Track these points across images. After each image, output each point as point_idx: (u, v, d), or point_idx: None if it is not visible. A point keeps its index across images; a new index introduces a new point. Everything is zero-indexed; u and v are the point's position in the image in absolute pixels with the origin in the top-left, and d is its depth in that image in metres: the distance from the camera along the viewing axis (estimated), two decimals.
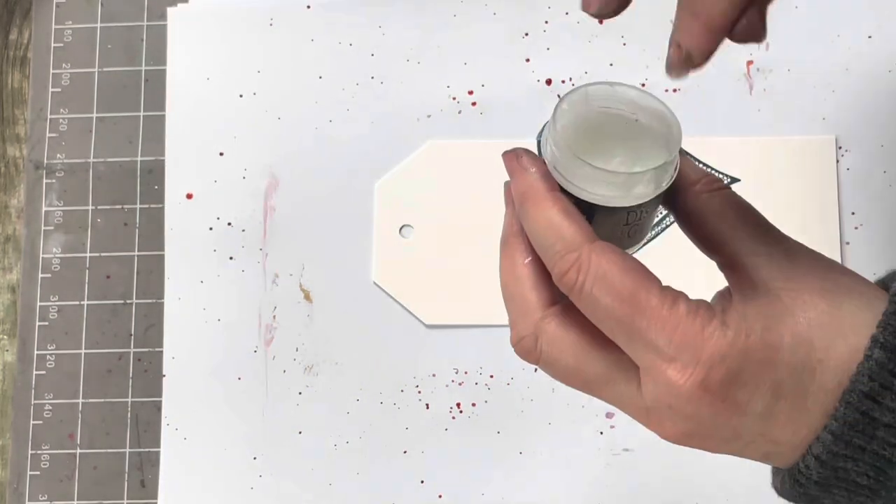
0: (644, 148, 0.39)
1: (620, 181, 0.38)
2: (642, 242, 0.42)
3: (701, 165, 0.42)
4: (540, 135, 0.41)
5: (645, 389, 0.37)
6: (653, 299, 0.36)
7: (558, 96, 0.60)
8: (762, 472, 0.59)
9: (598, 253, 0.37)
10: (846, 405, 0.35)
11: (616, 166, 0.38)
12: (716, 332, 0.36)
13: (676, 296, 0.37)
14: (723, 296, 0.38)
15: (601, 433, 0.58)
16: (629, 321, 0.36)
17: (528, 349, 0.39)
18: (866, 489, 0.36)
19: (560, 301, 0.39)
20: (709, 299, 0.38)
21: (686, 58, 0.39)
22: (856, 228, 0.58)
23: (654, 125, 0.39)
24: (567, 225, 0.37)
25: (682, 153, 0.40)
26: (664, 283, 0.37)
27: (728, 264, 0.39)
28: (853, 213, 0.58)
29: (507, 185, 0.40)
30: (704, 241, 0.40)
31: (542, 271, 0.39)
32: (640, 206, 0.38)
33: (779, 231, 0.39)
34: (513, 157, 0.40)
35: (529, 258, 0.39)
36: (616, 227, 0.39)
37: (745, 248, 0.38)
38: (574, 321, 0.38)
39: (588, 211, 0.38)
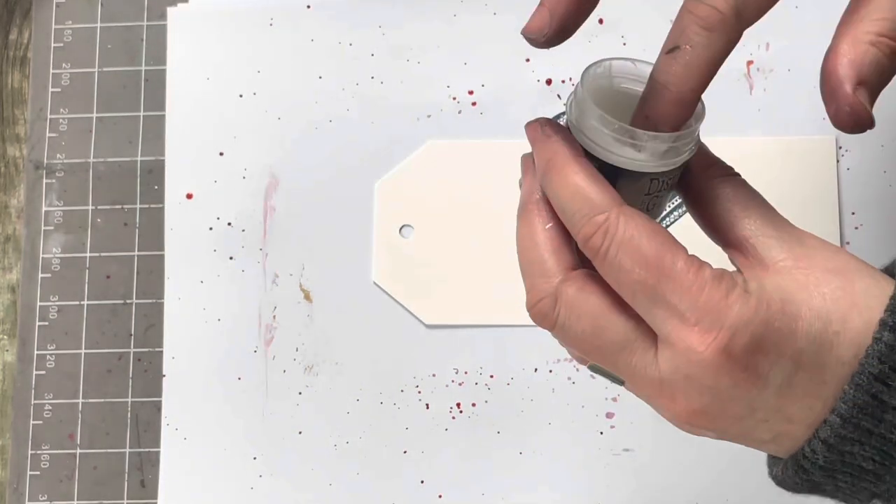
0: None
1: (646, 142, 0.38)
2: (662, 212, 0.42)
3: (712, 154, 0.42)
4: (558, 116, 0.41)
5: (662, 359, 0.37)
6: (679, 264, 0.36)
7: (558, 96, 0.60)
8: (761, 473, 0.59)
9: (627, 216, 0.37)
10: (856, 387, 0.35)
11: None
12: (740, 298, 0.36)
13: (701, 263, 0.37)
14: (737, 274, 0.38)
15: (601, 433, 0.58)
16: (653, 284, 0.36)
17: (544, 312, 0.39)
18: (871, 474, 0.36)
19: (581, 267, 0.39)
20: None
21: (652, 126, 0.39)
22: (856, 228, 0.58)
23: None
24: (595, 189, 0.37)
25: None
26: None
27: (738, 246, 0.39)
28: (853, 213, 0.58)
29: (525, 157, 0.41)
30: (714, 224, 0.40)
31: (564, 236, 0.39)
32: (662, 174, 0.39)
33: (785, 219, 0.40)
34: (536, 127, 0.40)
35: (550, 224, 0.39)
36: (639, 194, 0.39)
37: (756, 230, 0.39)
38: (594, 287, 0.38)
39: (612, 176, 0.38)
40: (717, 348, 0.36)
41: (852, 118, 0.38)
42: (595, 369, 0.40)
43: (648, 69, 0.39)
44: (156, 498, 0.59)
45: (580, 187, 0.38)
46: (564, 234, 0.39)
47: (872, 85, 0.38)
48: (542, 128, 0.40)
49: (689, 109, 0.38)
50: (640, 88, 0.39)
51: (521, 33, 0.42)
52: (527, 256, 0.40)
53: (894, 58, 0.39)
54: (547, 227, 0.40)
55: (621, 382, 0.39)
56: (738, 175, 0.41)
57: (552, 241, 0.39)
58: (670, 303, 0.36)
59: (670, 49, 0.38)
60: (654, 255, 0.36)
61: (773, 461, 0.40)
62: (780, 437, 0.38)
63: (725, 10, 0.37)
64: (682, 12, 0.38)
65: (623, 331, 0.38)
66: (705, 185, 0.40)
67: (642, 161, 0.38)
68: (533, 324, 0.59)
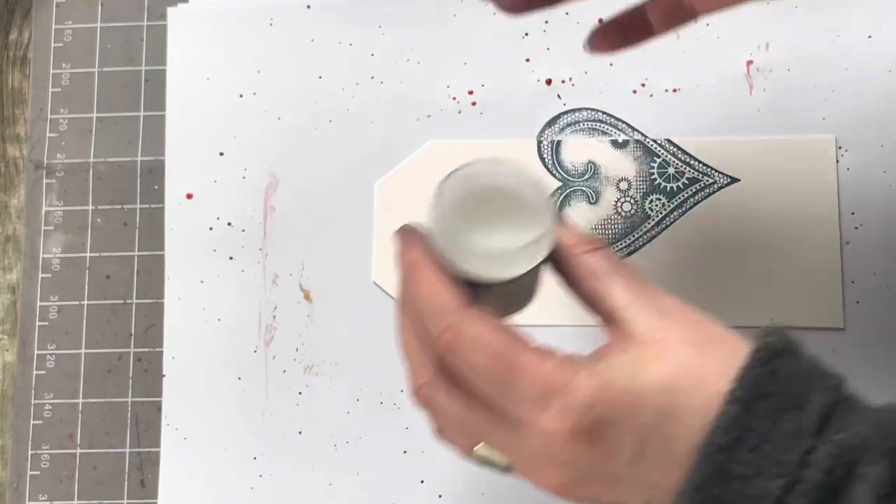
0: (525, 220, 0.42)
1: (495, 257, 0.41)
2: (530, 303, 0.45)
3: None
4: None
5: (524, 442, 0.40)
6: (524, 355, 0.39)
7: (558, 96, 0.60)
8: None
9: (471, 317, 0.40)
10: (704, 458, 0.37)
11: (497, 241, 0.41)
12: (583, 380, 0.38)
13: (547, 352, 0.39)
14: (597, 351, 0.40)
15: None
16: (503, 376, 0.39)
17: (426, 396, 0.42)
18: None
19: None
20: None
21: None
22: (856, 228, 0.58)
23: (533, 198, 0.42)
24: (443, 294, 0.40)
25: (559, 218, 0.42)
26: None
27: (606, 319, 0.42)
28: (853, 214, 0.58)
29: (397, 256, 0.44)
30: (586, 300, 0.43)
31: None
32: (517, 278, 0.41)
33: (655, 287, 0.42)
34: (402, 234, 0.43)
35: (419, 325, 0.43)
36: (499, 297, 0.42)
37: (620, 303, 0.41)
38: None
39: (472, 283, 0.41)
40: (565, 428, 0.38)
41: None
42: (480, 459, 0.42)
43: (505, 167, 0.42)
44: (156, 498, 0.59)
45: (431, 291, 0.41)
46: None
47: None
48: (406, 235, 0.43)
49: None
50: (501, 184, 0.42)
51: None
52: (404, 350, 0.43)
53: None
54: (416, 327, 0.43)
55: (508, 470, 0.42)
56: (603, 248, 0.43)
57: (420, 341, 0.42)
58: (521, 391, 0.39)
59: None
60: (500, 349, 0.39)
61: None
62: (652, 501, 0.39)
63: None
64: None
65: (487, 417, 0.40)
66: (573, 263, 0.43)
67: (495, 271, 0.41)
68: (533, 323, 0.59)
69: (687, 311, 0.41)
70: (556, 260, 0.43)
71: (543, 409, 0.38)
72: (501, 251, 0.41)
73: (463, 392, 0.41)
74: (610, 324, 0.41)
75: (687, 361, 0.39)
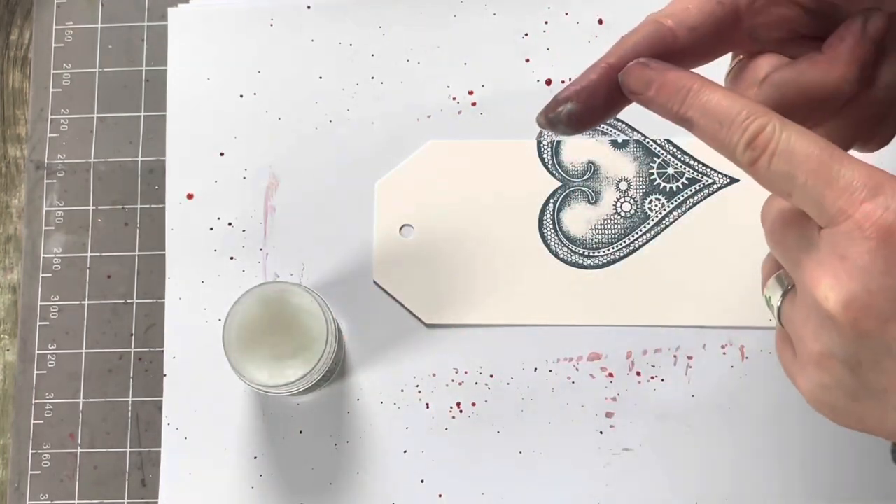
0: (311, 333, 0.54)
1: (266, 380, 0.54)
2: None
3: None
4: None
5: (824, 237, 0.37)
6: (845, 156, 0.37)
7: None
8: (760, 473, 0.59)
9: (788, 121, 0.38)
10: None
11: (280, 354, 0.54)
12: None
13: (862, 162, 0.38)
14: None
15: (601, 433, 0.58)
16: (827, 163, 0.36)
17: (769, 134, 0.38)
18: None
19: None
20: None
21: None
22: None
23: (315, 316, 0.54)
24: (742, 99, 0.38)
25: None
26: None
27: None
28: None
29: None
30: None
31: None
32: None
33: None
34: (646, 70, 0.40)
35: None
36: None
37: None
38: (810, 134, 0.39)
39: None
40: (885, 226, 0.35)
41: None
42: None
43: (288, 287, 0.54)
44: (156, 497, 0.59)
45: (736, 97, 0.38)
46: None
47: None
48: (660, 69, 0.40)
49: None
50: (288, 302, 0.54)
51: (540, 117, 0.42)
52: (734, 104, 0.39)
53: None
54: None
55: (788, 289, 0.40)
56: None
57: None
58: (842, 182, 0.36)
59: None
60: (821, 141, 0.37)
61: None
62: None
63: None
64: None
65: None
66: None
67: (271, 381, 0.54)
68: (533, 323, 0.59)
69: None
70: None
71: (867, 199, 0.36)
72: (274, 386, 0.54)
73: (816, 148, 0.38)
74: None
75: None
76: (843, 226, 0.36)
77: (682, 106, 0.39)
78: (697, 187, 0.59)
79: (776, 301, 0.41)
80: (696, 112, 0.39)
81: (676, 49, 0.40)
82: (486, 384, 0.59)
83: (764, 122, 0.38)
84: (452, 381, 0.59)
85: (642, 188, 0.59)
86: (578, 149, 0.60)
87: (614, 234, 0.59)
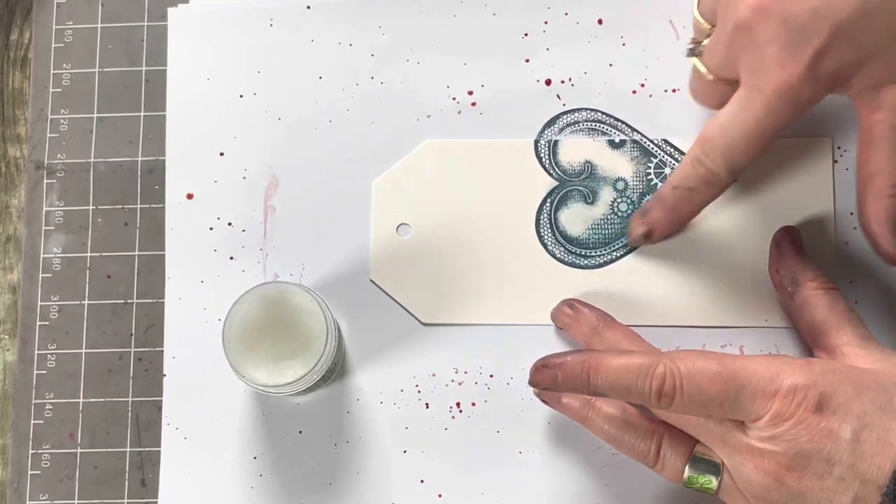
0: (311, 333, 0.53)
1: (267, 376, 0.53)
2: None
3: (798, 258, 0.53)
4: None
5: (751, 431, 0.45)
6: (746, 363, 0.45)
7: (558, 96, 0.60)
8: None
9: (676, 357, 0.46)
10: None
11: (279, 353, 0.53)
12: (804, 364, 0.45)
13: (758, 356, 0.46)
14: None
15: None
16: (732, 386, 0.44)
17: (669, 386, 0.47)
18: None
19: None
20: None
21: (647, 234, 0.56)
22: (854, 228, 0.58)
23: (315, 316, 0.53)
24: (636, 356, 0.47)
25: (798, 251, 0.54)
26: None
27: (829, 352, 0.49)
28: (852, 213, 0.58)
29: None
30: (812, 329, 0.51)
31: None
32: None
33: (872, 336, 0.50)
34: (545, 370, 0.50)
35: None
36: None
37: (846, 342, 0.48)
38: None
39: None
40: (794, 403, 0.43)
41: (893, 259, 0.49)
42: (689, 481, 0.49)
43: (289, 287, 0.54)
44: (156, 497, 0.59)
45: (622, 364, 0.46)
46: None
47: None
48: (551, 366, 0.50)
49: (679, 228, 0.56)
50: (289, 303, 0.54)
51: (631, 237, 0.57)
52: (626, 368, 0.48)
53: None
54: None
55: (717, 475, 0.48)
56: (837, 289, 0.51)
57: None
58: (750, 389, 0.44)
59: (674, 187, 0.53)
60: (721, 367, 0.45)
61: None
62: (857, 500, 0.42)
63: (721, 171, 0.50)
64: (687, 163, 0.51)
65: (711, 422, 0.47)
66: (808, 295, 0.51)
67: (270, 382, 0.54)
68: (530, 323, 0.59)
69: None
70: (793, 291, 0.52)
71: (773, 394, 0.44)
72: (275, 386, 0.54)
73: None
74: (829, 355, 0.49)
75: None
76: (760, 422, 0.45)
77: (589, 388, 0.47)
78: None
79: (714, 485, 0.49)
80: (604, 388, 0.47)
81: None
82: (486, 384, 0.59)
83: (661, 371, 0.45)
84: (452, 381, 0.59)
85: (639, 188, 0.59)
86: (576, 149, 0.60)
87: (611, 233, 0.59)
